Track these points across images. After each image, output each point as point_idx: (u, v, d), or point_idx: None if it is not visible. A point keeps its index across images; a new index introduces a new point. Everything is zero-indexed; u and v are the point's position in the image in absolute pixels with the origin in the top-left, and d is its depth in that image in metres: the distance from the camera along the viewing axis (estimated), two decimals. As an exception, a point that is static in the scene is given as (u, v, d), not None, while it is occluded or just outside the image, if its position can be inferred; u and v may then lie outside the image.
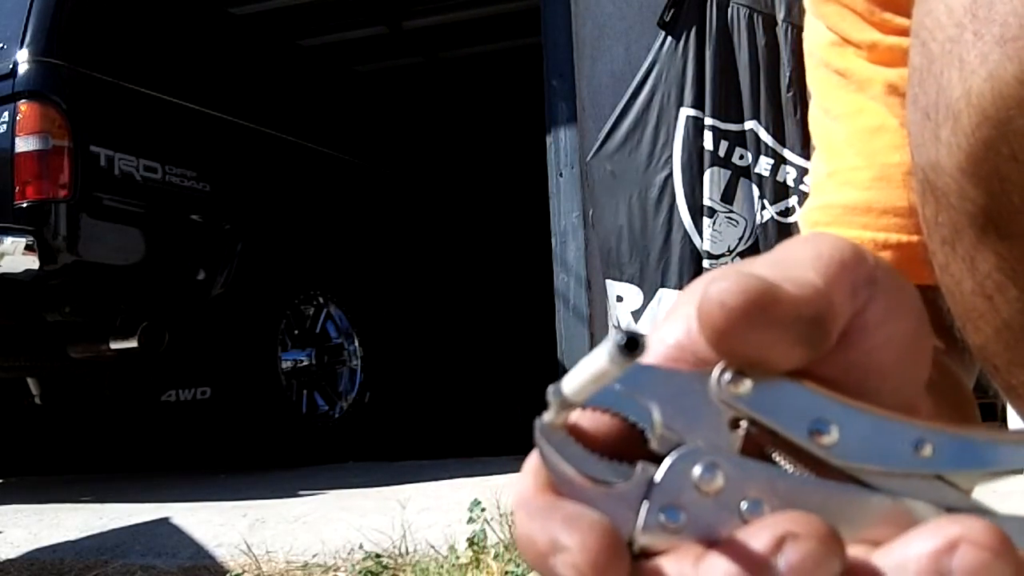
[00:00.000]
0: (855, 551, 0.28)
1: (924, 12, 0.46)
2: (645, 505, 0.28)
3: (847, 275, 0.32)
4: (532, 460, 0.30)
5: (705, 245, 3.00)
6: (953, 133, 0.44)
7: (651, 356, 0.31)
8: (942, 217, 0.47)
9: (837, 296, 0.31)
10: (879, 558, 0.28)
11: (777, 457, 0.30)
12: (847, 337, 0.32)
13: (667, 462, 0.29)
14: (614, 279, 3.15)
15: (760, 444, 0.30)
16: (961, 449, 0.30)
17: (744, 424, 0.30)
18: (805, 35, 0.70)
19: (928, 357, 0.36)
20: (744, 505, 0.28)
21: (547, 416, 0.29)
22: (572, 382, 0.28)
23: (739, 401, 0.29)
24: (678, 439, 0.29)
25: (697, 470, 0.29)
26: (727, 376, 0.29)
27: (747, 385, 0.29)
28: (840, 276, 0.32)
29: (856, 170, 0.62)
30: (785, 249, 0.34)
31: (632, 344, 0.26)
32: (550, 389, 0.29)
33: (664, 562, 0.28)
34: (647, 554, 0.28)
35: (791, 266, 0.32)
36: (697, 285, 0.31)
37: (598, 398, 0.29)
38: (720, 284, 0.29)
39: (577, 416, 0.30)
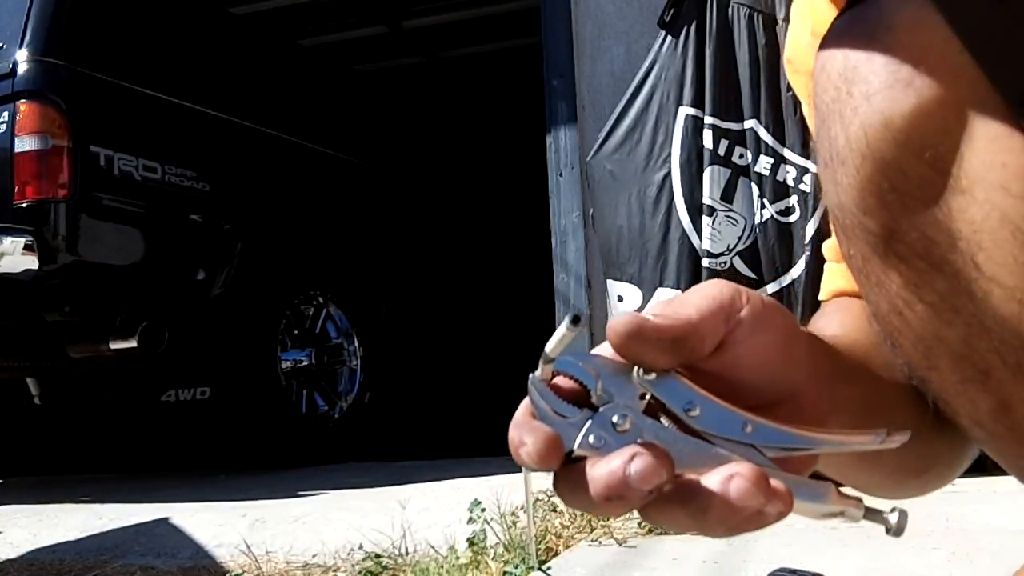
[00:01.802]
0: (691, 476, 0.47)
1: (815, 83, 0.59)
2: (583, 431, 0.48)
3: (722, 310, 0.50)
4: (525, 399, 0.49)
5: (705, 244, 3.00)
6: (844, 175, 0.56)
7: (605, 351, 0.50)
8: (852, 249, 0.58)
9: (709, 323, 0.49)
10: (699, 478, 0.46)
11: (664, 419, 0.49)
12: (722, 347, 0.50)
13: (601, 410, 0.48)
14: (615, 279, 3.14)
15: (656, 410, 0.49)
16: (769, 432, 0.49)
17: (648, 396, 0.49)
18: (802, 106, 0.80)
19: (794, 361, 0.52)
20: (639, 441, 0.47)
21: (537, 372, 0.49)
22: (549, 346, 0.48)
23: (646, 384, 0.49)
24: (609, 399, 0.48)
25: (616, 417, 0.48)
26: (641, 369, 0.49)
27: (652, 376, 0.49)
28: (716, 311, 0.49)
29: None
30: (691, 292, 0.51)
31: (576, 319, 0.46)
32: (541, 356, 0.49)
33: (587, 462, 0.47)
34: (581, 459, 0.48)
35: (683, 305, 0.50)
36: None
37: (569, 369, 0.49)
38: (616, 319, 0.48)
39: (556, 379, 0.49)
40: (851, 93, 0.54)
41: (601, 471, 0.46)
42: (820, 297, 0.78)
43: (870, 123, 0.53)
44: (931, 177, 0.52)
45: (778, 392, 0.52)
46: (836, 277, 0.76)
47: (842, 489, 0.50)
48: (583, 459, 0.47)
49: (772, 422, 0.49)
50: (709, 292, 0.50)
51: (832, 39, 0.57)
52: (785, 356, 0.51)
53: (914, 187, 0.53)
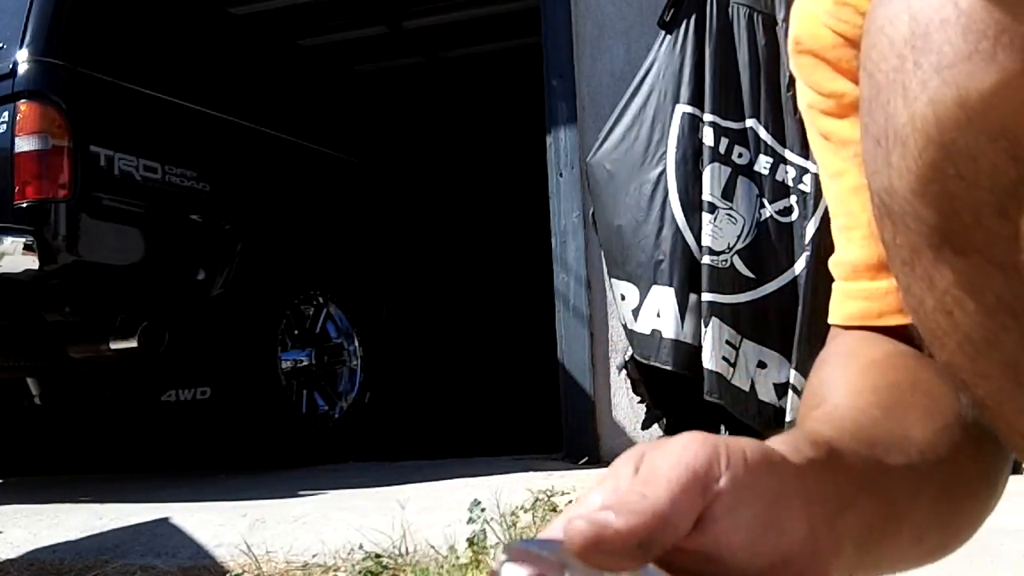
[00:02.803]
0: None
1: (870, 45, 0.50)
2: None
3: (696, 482, 0.41)
4: None
5: (706, 241, 3.00)
6: (902, 157, 0.48)
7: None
8: (900, 239, 0.51)
9: (683, 505, 0.41)
10: None
11: None
12: (702, 523, 0.42)
13: None
14: (617, 278, 3.15)
15: None
16: None
17: None
18: (798, 97, 0.73)
19: (788, 523, 0.44)
20: None
21: (497, 565, 0.41)
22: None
23: None
24: None
25: None
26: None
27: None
28: (689, 484, 0.41)
29: (849, 229, 0.67)
30: (661, 453, 0.43)
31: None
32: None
33: None
34: None
35: (651, 481, 0.42)
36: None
37: (530, 561, 0.41)
38: (571, 527, 0.40)
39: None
40: (919, 64, 0.47)
41: None
42: (831, 321, 0.70)
43: (940, 101, 0.46)
44: (1005, 166, 0.46)
45: (771, 560, 0.44)
46: (851, 300, 0.68)
47: None
48: None
49: None
50: (682, 459, 0.42)
51: None
52: (776, 524, 0.44)
53: (985, 176, 0.46)
